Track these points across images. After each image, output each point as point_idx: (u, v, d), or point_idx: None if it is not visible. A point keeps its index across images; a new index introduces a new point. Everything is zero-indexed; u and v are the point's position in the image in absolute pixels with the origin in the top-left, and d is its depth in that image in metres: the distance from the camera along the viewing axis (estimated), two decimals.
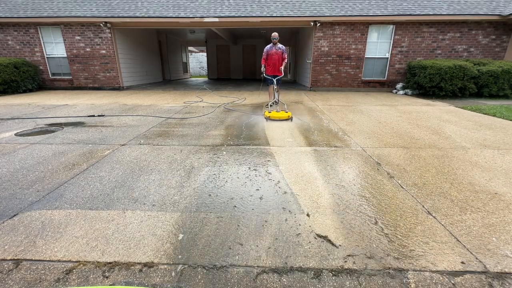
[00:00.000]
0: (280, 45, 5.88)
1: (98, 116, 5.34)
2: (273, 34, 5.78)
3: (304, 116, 5.42)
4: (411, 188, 2.35)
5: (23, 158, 3.02)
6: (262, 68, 5.93)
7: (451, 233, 1.74)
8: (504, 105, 6.63)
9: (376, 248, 1.59)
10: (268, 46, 5.95)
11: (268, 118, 5.08)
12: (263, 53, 5.99)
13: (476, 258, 1.51)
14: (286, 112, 5.19)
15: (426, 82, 8.12)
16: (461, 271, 1.42)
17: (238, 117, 5.37)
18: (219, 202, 2.11)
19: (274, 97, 5.84)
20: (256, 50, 18.64)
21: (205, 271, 1.42)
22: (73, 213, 1.95)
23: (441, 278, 1.38)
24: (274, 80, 5.75)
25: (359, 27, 9.27)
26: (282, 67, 5.87)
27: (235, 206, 2.05)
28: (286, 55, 5.91)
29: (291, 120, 5.05)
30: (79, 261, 1.48)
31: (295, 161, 2.97)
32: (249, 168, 2.78)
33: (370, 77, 9.95)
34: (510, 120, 5.03)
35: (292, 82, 15.39)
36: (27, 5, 9.82)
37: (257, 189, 2.32)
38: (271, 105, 5.61)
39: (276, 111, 5.22)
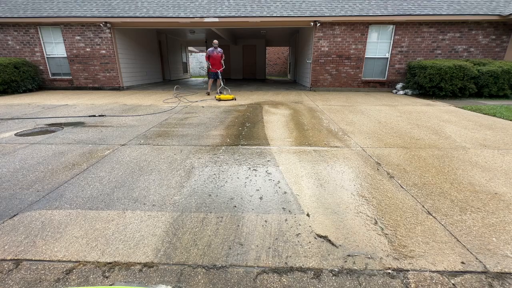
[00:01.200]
0: (219, 49, 8.41)
1: (99, 116, 5.34)
2: (214, 41, 8.30)
3: (305, 116, 5.42)
4: (411, 188, 2.35)
5: (23, 158, 3.02)
6: (206, 65, 8.10)
7: (451, 233, 1.74)
8: (504, 105, 6.63)
9: (376, 248, 1.59)
10: (210, 49, 8.34)
11: (219, 99, 7.48)
12: (206, 54, 8.41)
13: (476, 258, 1.51)
14: (231, 95, 7.71)
15: (426, 82, 8.12)
16: (461, 271, 1.42)
17: (238, 117, 5.37)
18: (219, 202, 2.11)
19: (221, 85, 8.28)
20: (256, 50, 18.65)
21: (205, 271, 1.42)
22: (73, 213, 1.95)
23: (441, 278, 1.38)
24: (219, 72, 8.40)
25: (359, 27, 9.27)
26: (222, 61, 8.47)
27: (235, 206, 2.05)
28: (223, 55, 8.48)
29: (235, 99, 7.49)
30: (79, 261, 1.48)
31: (295, 161, 2.97)
32: (249, 168, 2.78)
33: (370, 77, 9.96)
34: (510, 120, 5.03)
35: (292, 82, 15.39)
36: (27, 5, 9.82)
37: (257, 189, 2.32)
38: (220, 92, 8.14)
39: (224, 95, 7.64)
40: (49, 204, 2.07)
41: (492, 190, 2.31)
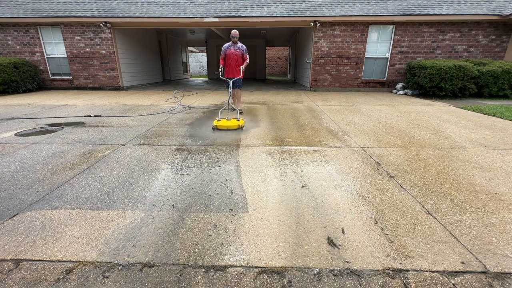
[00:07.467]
0: (240, 44, 5.39)
1: (99, 116, 5.34)
2: (233, 31, 5.28)
3: (305, 116, 5.41)
4: (411, 188, 2.35)
5: (23, 158, 3.02)
6: (219, 68, 5.33)
7: (451, 233, 1.74)
8: (504, 105, 6.63)
9: (376, 248, 1.59)
10: (226, 44, 5.41)
11: (215, 128, 4.31)
12: (221, 53, 5.44)
13: (476, 258, 1.51)
14: (238, 120, 4.45)
15: (426, 82, 8.12)
16: (461, 271, 1.42)
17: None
18: (219, 202, 2.11)
19: (228, 102, 4.94)
20: (256, 50, 18.63)
21: (205, 270, 1.42)
22: (73, 213, 1.95)
23: (441, 278, 1.38)
24: (230, 83, 5.01)
25: (359, 27, 9.27)
26: (243, 67, 5.25)
27: (231, 209, 2.05)
28: (247, 56, 5.39)
29: (242, 129, 4.33)
30: (79, 261, 1.48)
31: (295, 162, 2.97)
32: (250, 167, 2.78)
33: (370, 77, 9.96)
34: (510, 120, 5.03)
35: (292, 82, 15.39)
36: (27, 5, 9.82)
37: (257, 190, 2.32)
38: (222, 111, 4.91)
39: (227, 119, 4.47)
40: (49, 204, 2.07)
41: (492, 190, 2.31)
